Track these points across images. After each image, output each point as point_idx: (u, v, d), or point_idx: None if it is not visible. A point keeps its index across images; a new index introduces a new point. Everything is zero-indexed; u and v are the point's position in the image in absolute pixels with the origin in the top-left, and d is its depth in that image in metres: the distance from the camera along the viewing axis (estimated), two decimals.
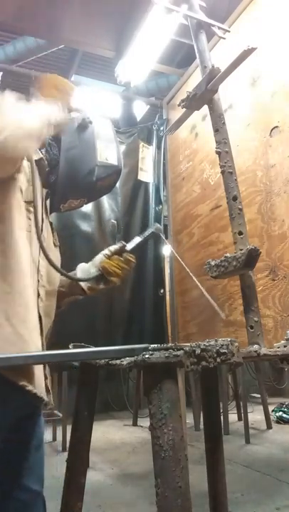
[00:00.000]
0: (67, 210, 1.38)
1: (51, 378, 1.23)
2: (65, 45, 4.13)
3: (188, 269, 1.38)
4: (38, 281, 1.15)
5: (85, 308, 2.62)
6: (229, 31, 1.63)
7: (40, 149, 1.27)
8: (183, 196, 2.60)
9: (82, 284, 1.34)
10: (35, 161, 1.23)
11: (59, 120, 1.10)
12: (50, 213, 1.31)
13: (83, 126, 1.31)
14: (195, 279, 1.34)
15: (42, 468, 1.16)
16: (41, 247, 1.10)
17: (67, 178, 1.28)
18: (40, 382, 1.00)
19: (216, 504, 1.12)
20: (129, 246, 1.41)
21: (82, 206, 1.39)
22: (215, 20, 1.55)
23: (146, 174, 3.08)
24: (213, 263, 1.37)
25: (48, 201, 1.30)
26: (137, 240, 1.37)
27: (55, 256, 1.25)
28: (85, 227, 2.87)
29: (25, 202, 1.11)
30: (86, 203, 1.39)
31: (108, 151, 1.32)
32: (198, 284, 1.33)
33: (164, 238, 1.43)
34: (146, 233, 1.37)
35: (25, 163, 1.16)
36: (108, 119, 1.43)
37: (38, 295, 1.13)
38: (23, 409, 1.04)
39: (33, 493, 1.10)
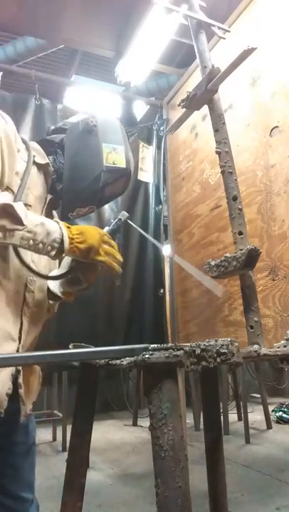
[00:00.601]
0: (77, 217, 1.34)
1: (42, 380, 1.20)
2: (65, 45, 4.13)
3: (179, 260, 1.35)
4: (26, 285, 1.11)
5: (85, 308, 2.62)
6: (229, 31, 1.63)
7: (48, 156, 1.26)
8: (183, 196, 2.60)
9: (53, 288, 1.22)
10: (40, 164, 1.22)
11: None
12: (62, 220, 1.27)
13: (87, 130, 1.25)
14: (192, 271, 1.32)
15: (31, 475, 1.15)
16: (14, 249, 1.06)
17: (72, 187, 1.23)
18: None
19: (216, 504, 1.12)
20: None
21: (92, 212, 1.34)
22: (215, 20, 1.55)
23: (146, 174, 3.08)
24: (213, 263, 1.37)
25: (51, 207, 1.28)
26: (106, 229, 1.26)
27: (50, 261, 1.19)
28: None
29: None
30: (97, 209, 1.34)
31: (115, 154, 1.25)
32: (191, 269, 1.31)
33: (135, 226, 1.36)
34: (113, 225, 1.27)
35: (20, 166, 1.13)
36: (116, 119, 1.36)
37: (24, 301, 1.09)
38: None
39: (22, 500, 1.09)
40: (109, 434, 4.01)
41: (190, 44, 1.64)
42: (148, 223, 3.04)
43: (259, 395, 4.23)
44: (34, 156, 1.20)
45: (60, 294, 1.22)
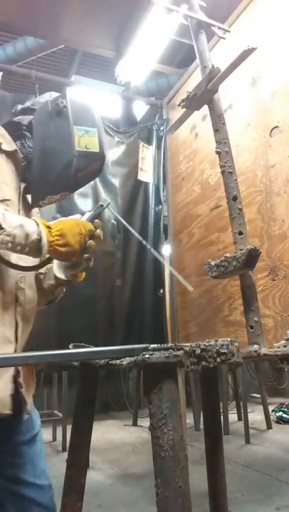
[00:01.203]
0: (48, 205, 1.26)
1: (36, 380, 1.20)
2: (65, 45, 4.12)
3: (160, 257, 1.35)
4: (17, 283, 1.08)
5: (85, 308, 2.62)
6: (229, 31, 1.63)
7: (15, 141, 1.17)
8: (183, 196, 2.60)
9: (59, 275, 1.18)
10: (8, 152, 1.13)
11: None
12: (32, 208, 1.23)
13: (57, 111, 1.16)
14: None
15: (41, 462, 1.14)
16: None
17: (43, 174, 1.16)
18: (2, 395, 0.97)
19: (216, 504, 1.12)
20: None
21: (64, 198, 1.27)
22: (215, 20, 1.55)
23: (146, 174, 3.08)
24: (213, 263, 1.37)
25: (28, 196, 1.21)
26: (86, 215, 1.18)
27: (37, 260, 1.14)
28: None
29: None
30: (69, 195, 1.27)
31: (88, 137, 1.16)
32: (164, 262, 1.32)
33: (115, 214, 1.30)
34: (94, 210, 1.18)
35: None
36: (87, 101, 1.26)
37: (17, 300, 1.07)
38: None
39: (37, 487, 1.09)
40: (109, 434, 4.02)
41: (190, 44, 1.64)
42: (148, 223, 3.04)
43: (259, 395, 4.23)
44: (0, 144, 1.12)
45: (68, 278, 1.17)
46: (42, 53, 4.45)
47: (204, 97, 1.44)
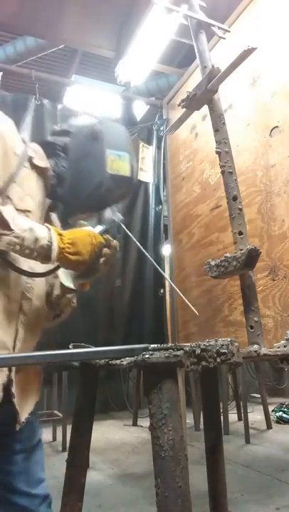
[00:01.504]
0: (73, 222, 1.30)
1: (42, 380, 1.19)
2: (65, 45, 4.13)
3: (165, 275, 1.36)
4: (23, 293, 1.08)
5: (85, 308, 2.62)
6: (229, 31, 1.63)
7: (49, 158, 1.22)
8: (183, 196, 2.60)
9: (67, 284, 1.20)
10: (39, 167, 1.18)
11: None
12: (62, 226, 1.26)
13: (93, 135, 1.22)
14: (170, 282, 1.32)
15: (39, 472, 1.14)
16: None
17: (74, 193, 1.21)
18: None
19: (216, 504, 1.12)
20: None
21: (89, 219, 1.32)
22: (215, 20, 1.55)
23: (146, 174, 3.08)
24: (213, 263, 1.37)
25: (52, 213, 1.26)
26: (98, 228, 1.22)
27: (48, 267, 1.15)
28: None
29: (18, 210, 1.05)
30: (93, 215, 1.31)
31: (120, 162, 1.22)
32: (170, 283, 1.32)
33: (127, 231, 1.32)
34: (107, 224, 1.22)
35: (26, 171, 1.10)
36: (122, 126, 1.33)
37: (21, 308, 1.07)
38: None
39: (32, 497, 1.08)
40: (109, 434, 4.01)
41: (190, 44, 1.64)
42: (148, 223, 3.04)
43: (259, 395, 4.23)
44: (32, 158, 1.16)
45: (75, 287, 1.20)
46: (42, 53, 4.46)
47: (204, 97, 1.44)
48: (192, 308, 1.23)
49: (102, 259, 1.11)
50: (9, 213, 0.96)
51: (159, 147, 3.09)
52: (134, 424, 4.34)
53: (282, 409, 4.28)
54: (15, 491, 1.07)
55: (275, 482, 2.45)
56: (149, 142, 3.11)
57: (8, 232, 0.94)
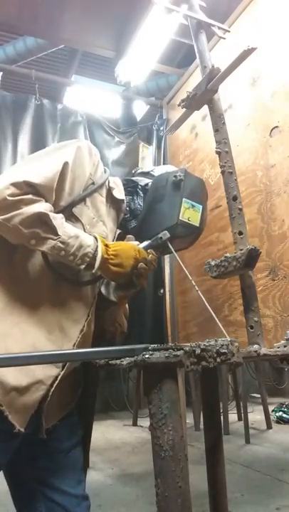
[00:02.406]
0: None
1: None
2: (65, 45, 4.13)
3: (193, 281, 1.36)
4: (88, 316, 1.14)
5: None
6: (229, 31, 1.63)
7: (126, 195, 1.31)
8: None
9: (106, 294, 1.29)
10: (116, 199, 1.27)
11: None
12: None
13: (174, 182, 1.29)
14: (198, 291, 1.33)
15: (78, 472, 1.14)
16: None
17: (145, 230, 1.27)
18: (24, 411, 0.97)
19: (216, 504, 1.13)
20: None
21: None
22: (215, 20, 1.55)
23: None
24: (213, 263, 1.37)
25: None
26: (144, 244, 1.27)
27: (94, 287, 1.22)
28: None
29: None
30: (159, 256, 1.35)
31: (193, 211, 1.30)
32: (200, 295, 1.32)
33: (171, 249, 1.35)
34: (152, 240, 1.26)
35: (101, 199, 1.19)
36: (202, 180, 1.41)
37: (82, 331, 1.11)
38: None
39: (70, 496, 1.09)
40: (109, 434, 4.01)
41: (190, 44, 1.64)
42: None
43: (259, 395, 4.23)
44: (113, 189, 1.26)
45: (114, 299, 1.26)
46: (42, 53, 4.46)
47: (204, 97, 1.44)
48: (212, 313, 1.26)
49: (135, 271, 1.15)
50: (59, 219, 1.02)
51: (159, 147, 3.09)
52: (134, 424, 4.34)
53: (282, 409, 4.27)
54: (54, 488, 1.09)
55: (275, 482, 2.45)
56: (149, 142, 3.10)
57: (54, 237, 1.00)
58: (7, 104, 2.48)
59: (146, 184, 1.34)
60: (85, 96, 4.51)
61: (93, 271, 1.07)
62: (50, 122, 2.59)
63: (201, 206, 1.32)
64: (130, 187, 1.35)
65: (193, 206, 1.30)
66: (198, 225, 1.32)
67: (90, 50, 3.10)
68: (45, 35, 3.11)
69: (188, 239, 1.37)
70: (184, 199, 1.28)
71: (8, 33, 4.34)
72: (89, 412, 1.28)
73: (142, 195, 1.32)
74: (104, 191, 1.24)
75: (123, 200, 1.30)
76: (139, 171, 1.45)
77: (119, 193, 1.30)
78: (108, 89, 4.27)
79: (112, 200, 1.28)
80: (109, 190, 1.27)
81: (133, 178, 1.39)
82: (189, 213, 1.28)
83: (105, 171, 1.26)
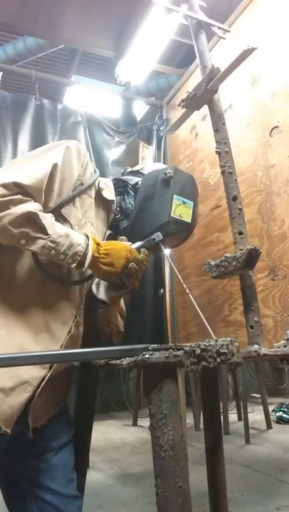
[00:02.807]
0: None
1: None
2: (65, 45, 4.13)
3: (184, 284, 1.37)
4: (76, 317, 1.14)
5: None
6: (229, 31, 1.63)
7: (116, 195, 1.31)
8: None
9: (99, 295, 1.27)
10: (106, 200, 1.27)
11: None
12: None
13: (164, 179, 1.30)
14: (194, 302, 1.33)
15: (69, 472, 1.14)
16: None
17: (136, 229, 1.27)
18: (7, 413, 0.96)
19: (216, 504, 1.13)
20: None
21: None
22: (215, 20, 1.55)
23: None
24: (213, 263, 1.37)
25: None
26: (136, 244, 1.27)
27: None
28: None
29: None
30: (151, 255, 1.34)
31: (184, 208, 1.30)
32: (195, 305, 1.32)
33: (164, 252, 1.37)
34: (145, 242, 1.26)
35: (90, 201, 1.19)
36: (192, 176, 1.41)
37: (70, 332, 1.11)
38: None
39: (61, 496, 1.09)
40: (109, 434, 4.01)
41: (190, 44, 1.64)
42: None
43: (259, 395, 4.22)
44: (102, 190, 1.26)
45: (106, 300, 1.25)
46: (42, 53, 4.46)
47: (204, 97, 1.44)
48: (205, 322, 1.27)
49: (126, 271, 1.14)
50: (48, 219, 1.01)
51: (159, 147, 3.09)
52: (134, 424, 4.34)
53: (282, 409, 4.27)
54: (44, 487, 1.09)
55: (275, 482, 2.45)
56: (149, 142, 3.10)
57: (44, 236, 0.99)
58: (7, 104, 2.48)
59: (137, 183, 1.34)
60: (85, 96, 4.51)
61: (83, 269, 1.07)
62: (50, 122, 2.59)
63: (192, 202, 1.32)
64: (121, 187, 1.35)
65: (184, 203, 1.30)
66: (190, 221, 1.31)
67: (90, 50, 3.10)
68: (45, 35, 3.11)
69: (181, 235, 1.36)
70: (174, 196, 1.28)
71: (8, 33, 4.34)
72: (89, 412, 1.28)
73: (132, 194, 1.32)
74: (93, 192, 1.24)
75: (113, 200, 1.30)
76: (128, 170, 1.45)
77: (109, 193, 1.30)
78: (108, 89, 4.27)
79: (101, 201, 1.28)
80: (99, 191, 1.27)
81: (123, 178, 1.39)
82: (181, 210, 1.28)
83: (95, 171, 1.26)
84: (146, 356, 0.77)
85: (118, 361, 0.87)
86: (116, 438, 3.84)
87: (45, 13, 2.57)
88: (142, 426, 4.25)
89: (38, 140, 2.49)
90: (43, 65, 4.86)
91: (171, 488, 0.71)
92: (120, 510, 2.13)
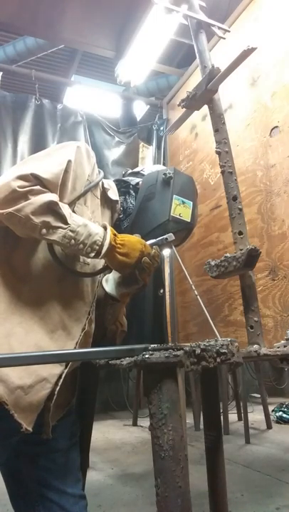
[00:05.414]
0: None
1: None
2: (65, 45, 4.13)
3: (193, 285, 1.37)
4: (89, 315, 1.15)
5: None
6: (229, 31, 1.63)
7: (119, 195, 1.34)
8: None
9: (109, 291, 1.29)
10: (110, 200, 1.30)
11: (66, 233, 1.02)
12: None
13: (164, 180, 1.32)
14: (200, 301, 1.34)
15: (75, 471, 1.14)
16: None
17: (137, 228, 1.29)
18: (30, 410, 0.97)
19: (216, 504, 1.13)
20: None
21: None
22: (215, 20, 1.55)
23: None
24: (213, 263, 1.37)
25: None
26: (149, 241, 1.28)
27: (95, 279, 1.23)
28: None
29: None
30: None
31: (183, 208, 1.32)
32: (201, 303, 1.33)
33: (176, 253, 1.38)
34: (158, 240, 1.27)
35: (96, 201, 1.21)
36: (191, 178, 1.43)
37: (83, 329, 1.12)
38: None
39: (67, 495, 1.09)
40: (109, 434, 4.01)
41: (190, 44, 1.64)
42: None
43: (259, 395, 4.22)
44: (107, 190, 1.29)
45: (117, 296, 1.27)
46: (42, 53, 4.46)
47: (204, 97, 1.44)
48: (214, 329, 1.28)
49: (139, 266, 1.16)
50: (67, 209, 1.03)
51: (159, 147, 3.09)
52: (134, 424, 4.34)
53: (282, 409, 4.27)
54: (51, 487, 1.09)
55: (275, 482, 2.45)
56: (149, 142, 3.10)
57: (64, 225, 1.01)
58: (7, 104, 2.48)
59: (137, 183, 1.37)
60: (85, 96, 4.51)
61: (100, 257, 1.08)
62: (50, 122, 2.59)
63: (191, 202, 1.35)
64: (123, 187, 1.38)
65: (183, 203, 1.32)
66: (189, 220, 1.33)
67: (90, 50, 3.10)
68: (45, 35, 3.11)
69: (181, 234, 1.37)
70: (174, 196, 1.30)
71: (8, 33, 4.35)
72: (89, 412, 1.28)
73: (133, 194, 1.35)
74: (98, 192, 1.26)
75: (117, 200, 1.33)
76: (129, 171, 1.48)
77: (114, 194, 1.33)
78: (108, 89, 4.27)
79: (106, 201, 1.31)
80: (104, 192, 1.30)
81: (124, 179, 1.42)
82: (180, 209, 1.31)
83: (99, 172, 1.27)
84: (146, 356, 0.77)
85: (118, 361, 0.87)
86: (116, 438, 3.84)
87: (45, 13, 2.57)
88: (142, 426, 4.25)
89: (38, 140, 2.49)
90: (43, 65, 4.87)
91: (171, 488, 0.71)
92: (120, 510, 2.12)
